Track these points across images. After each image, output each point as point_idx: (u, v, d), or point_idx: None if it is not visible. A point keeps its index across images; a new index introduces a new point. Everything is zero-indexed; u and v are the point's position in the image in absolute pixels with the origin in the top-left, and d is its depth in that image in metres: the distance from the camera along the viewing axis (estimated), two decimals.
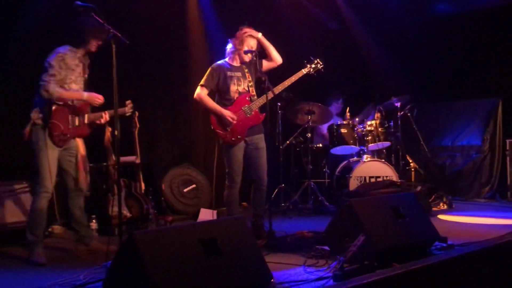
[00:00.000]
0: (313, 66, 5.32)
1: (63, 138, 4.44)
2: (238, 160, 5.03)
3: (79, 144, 4.68)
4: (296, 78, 5.22)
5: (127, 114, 5.01)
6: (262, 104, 5.06)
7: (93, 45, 4.54)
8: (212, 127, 5.06)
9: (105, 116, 4.67)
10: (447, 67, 8.47)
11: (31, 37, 5.62)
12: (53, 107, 4.36)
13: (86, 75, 4.66)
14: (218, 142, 5.13)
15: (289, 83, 5.18)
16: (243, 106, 5.04)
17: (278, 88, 5.09)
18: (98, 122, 4.68)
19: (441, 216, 6.21)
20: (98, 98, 4.56)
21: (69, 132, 4.48)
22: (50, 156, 4.35)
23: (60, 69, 4.37)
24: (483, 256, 3.98)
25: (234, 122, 4.96)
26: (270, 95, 4.93)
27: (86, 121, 4.60)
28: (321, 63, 5.34)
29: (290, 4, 8.19)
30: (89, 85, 4.69)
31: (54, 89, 4.30)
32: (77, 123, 4.55)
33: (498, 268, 3.98)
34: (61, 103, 4.40)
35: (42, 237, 4.47)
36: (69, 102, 4.47)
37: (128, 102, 4.97)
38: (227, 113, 4.98)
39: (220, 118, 4.99)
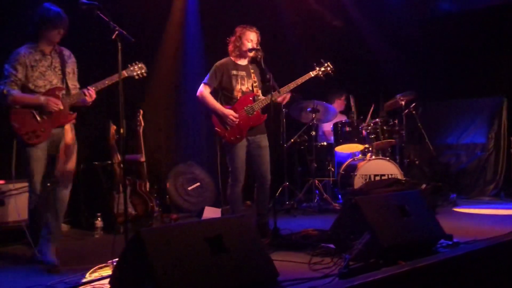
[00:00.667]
0: (322, 69, 5.30)
1: (35, 135, 4.15)
2: (240, 158, 5.03)
3: (67, 131, 4.34)
4: (303, 80, 5.20)
5: (136, 76, 4.52)
6: (265, 105, 5.06)
7: (54, 35, 4.21)
8: (213, 126, 5.06)
9: (89, 93, 4.26)
10: (452, 65, 8.45)
11: None
12: (12, 110, 4.12)
13: (62, 64, 4.31)
14: (220, 141, 5.12)
15: (295, 86, 5.15)
16: (246, 106, 5.04)
17: (284, 90, 5.06)
18: (84, 103, 4.33)
19: (446, 214, 6.20)
20: (56, 104, 4.18)
21: (38, 127, 4.16)
22: (34, 156, 4.18)
23: (15, 70, 4.12)
24: (489, 253, 3.97)
25: (236, 121, 4.97)
26: (274, 95, 4.92)
27: (61, 107, 4.21)
28: (331, 66, 5.32)
29: (294, 1, 8.18)
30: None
31: (9, 92, 4.08)
32: (47, 114, 4.19)
33: (504, 266, 3.96)
34: (17, 106, 4.13)
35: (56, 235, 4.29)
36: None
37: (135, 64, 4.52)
38: (228, 112, 4.98)
39: (222, 117, 4.99)
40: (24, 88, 4.17)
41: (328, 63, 5.32)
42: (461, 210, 6.60)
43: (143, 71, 4.55)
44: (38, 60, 4.22)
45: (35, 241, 4.32)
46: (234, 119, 4.96)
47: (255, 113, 5.05)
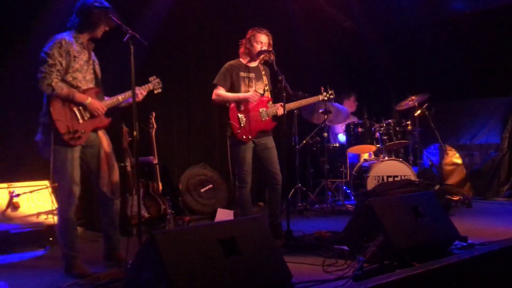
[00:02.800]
0: (326, 96, 5.65)
1: (75, 136, 3.94)
2: (247, 160, 5.03)
3: (103, 139, 4.21)
4: (312, 101, 5.54)
5: (156, 91, 4.48)
6: (278, 115, 5.12)
7: (101, 31, 4.11)
8: (228, 120, 5.02)
9: (140, 92, 4.23)
10: (465, 65, 8.40)
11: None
12: (53, 103, 3.88)
13: (93, 62, 4.20)
14: (230, 138, 5.07)
15: (298, 106, 5.44)
16: (261, 108, 5.04)
17: (290, 106, 5.23)
18: (121, 106, 4.26)
19: (460, 215, 6.15)
20: (100, 110, 4.07)
21: (80, 128, 3.98)
22: (72, 157, 3.96)
23: (60, 57, 3.90)
24: (504, 255, 3.93)
25: (257, 98, 5.01)
26: (282, 110, 5.00)
27: (103, 111, 4.12)
28: (333, 95, 5.71)
29: (304, 3, 8.17)
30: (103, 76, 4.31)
31: (57, 84, 3.87)
32: (88, 115, 4.04)
33: None
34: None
35: (77, 248, 4.05)
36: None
37: (152, 78, 4.49)
38: (249, 93, 5.02)
39: (244, 101, 5.01)
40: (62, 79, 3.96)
41: (333, 91, 5.68)
42: (475, 211, 6.55)
43: (159, 85, 4.50)
44: (79, 52, 4.04)
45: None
46: (255, 95, 5.02)
47: (268, 118, 5.07)
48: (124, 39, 3.86)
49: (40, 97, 4.00)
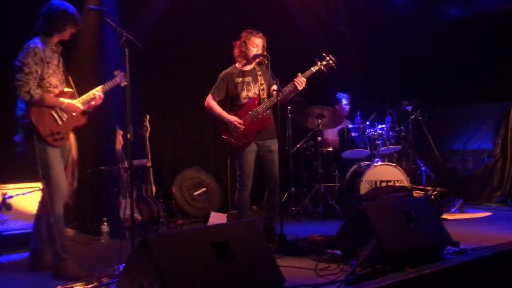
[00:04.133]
0: (324, 63, 5.07)
1: (58, 137, 4.01)
2: (249, 163, 5.04)
3: (73, 145, 4.29)
4: (305, 77, 4.98)
5: (122, 84, 4.41)
6: (269, 106, 5.03)
7: (68, 33, 4.14)
8: (221, 134, 5.10)
9: (98, 95, 4.25)
10: (458, 71, 8.45)
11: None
12: (32, 109, 3.91)
13: (62, 65, 4.23)
14: (229, 147, 5.14)
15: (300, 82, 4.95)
16: (251, 111, 5.04)
17: (286, 89, 4.93)
18: (93, 104, 4.26)
19: (452, 220, 6.18)
20: (77, 109, 4.15)
21: (61, 129, 4.04)
22: (56, 157, 4.00)
23: (36, 65, 3.92)
24: (496, 260, 3.95)
25: (240, 128, 4.98)
26: (275, 99, 4.90)
27: (80, 111, 4.19)
28: (333, 59, 5.10)
29: (299, 7, 8.19)
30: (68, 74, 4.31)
31: (35, 90, 3.88)
32: (66, 116, 4.10)
33: (511, 272, 3.95)
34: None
35: (67, 249, 4.05)
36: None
37: (116, 72, 4.43)
38: (232, 119, 5.00)
39: (227, 124, 5.01)
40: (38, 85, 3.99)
41: (330, 56, 5.10)
42: (468, 217, 6.58)
43: (125, 79, 4.35)
44: (51, 57, 4.09)
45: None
46: (238, 125, 4.98)
47: (259, 116, 5.04)
48: (120, 42, 3.87)
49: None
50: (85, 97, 4.24)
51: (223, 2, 7.61)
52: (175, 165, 7.24)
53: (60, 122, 4.06)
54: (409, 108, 7.43)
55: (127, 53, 3.86)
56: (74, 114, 4.14)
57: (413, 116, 7.43)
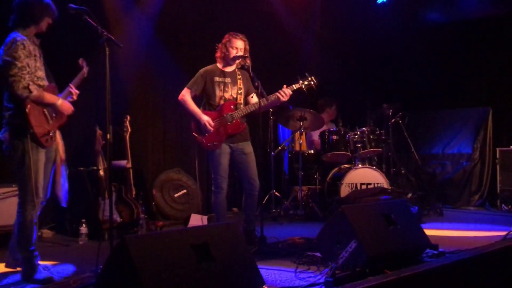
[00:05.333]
0: (305, 82, 5.14)
1: (48, 137, 3.88)
2: (223, 165, 5.02)
3: (59, 144, 4.13)
4: (291, 90, 5.04)
5: (85, 76, 4.33)
6: (245, 114, 5.05)
7: (45, 24, 3.97)
8: (191, 131, 5.06)
9: (74, 91, 4.13)
10: (439, 75, 8.54)
11: None
12: (28, 107, 3.72)
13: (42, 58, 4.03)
14: (198, 147, 5.11)
15: (275, 98, 5.00)
16: (226, 113, 5.03)
17: (264, 101, 4.94)
18: (70, 100, 4.11)
19: (431, 224, 6.23)
20: (71, 109, 4.04)
21: (50, 128, 3.91)
22: (44, 159, 3.88)
23: (26, 58, 3.75)
24: (474, 263, 3.98)
25: (211, 129, 4.97)
26: (255, 107, 4.93)
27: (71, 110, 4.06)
28: (314, 81, 5.16)
29: (283, 10, 8.21)
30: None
31: (32, 85, 3.73)
32: (54, 114, 3.96)
33: (488, 275, 3.98)
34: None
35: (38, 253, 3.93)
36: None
37: (80, 60, 4.34)
38: (205, 118, 4.99)
39: (199, 123, 4.99)
40: None
41: (312, 77, 5.16)
42: (447, 220, 6.63)
43: (87, 68, 4.34)
44: (35, 49, 3.91)
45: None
46: (209, 126, 4.97)
47: (234, 121, 5.04)
48: (100, 42, 3.83)
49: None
50: (63, 94, 4.12)
51: (209, 8, 7.58)
52: (156, 167, 7.19)
53: (50, 121, 3.93)
54: (390, 111, 7.48)
55: (107, 52, 3.82)
56: (67, 113, 4.02)
57: (393, 120, 7.48)
